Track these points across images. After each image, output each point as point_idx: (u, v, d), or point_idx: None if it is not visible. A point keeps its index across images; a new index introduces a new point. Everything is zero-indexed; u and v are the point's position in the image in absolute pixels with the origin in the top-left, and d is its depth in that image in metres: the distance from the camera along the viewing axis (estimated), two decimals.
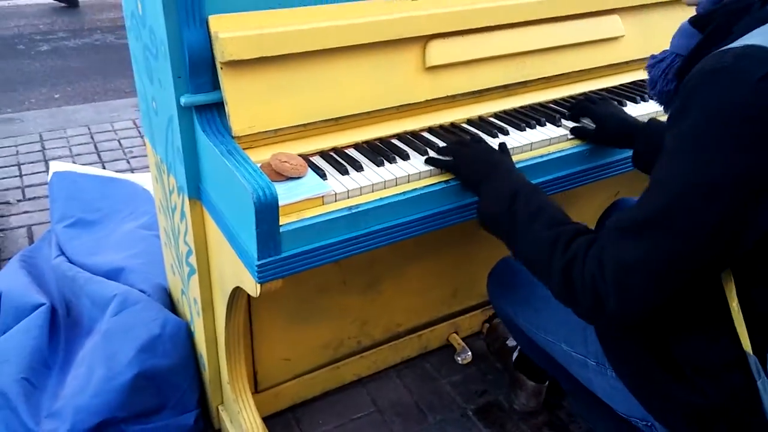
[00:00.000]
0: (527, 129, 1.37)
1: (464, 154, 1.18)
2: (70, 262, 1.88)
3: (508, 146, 1.25)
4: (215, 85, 1.16)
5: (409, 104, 1.33)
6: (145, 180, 2.37)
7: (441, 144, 1.27)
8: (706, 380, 0.95)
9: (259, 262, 1.04)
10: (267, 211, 1.01)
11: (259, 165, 1.09)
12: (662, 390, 1.00)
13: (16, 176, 2.79)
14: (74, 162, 2.78)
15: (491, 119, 1.41)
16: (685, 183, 0.81)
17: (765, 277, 0.87)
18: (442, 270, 1.75)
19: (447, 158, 1.20)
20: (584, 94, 1.53)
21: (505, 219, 1.05)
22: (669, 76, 0.98)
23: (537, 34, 1.46)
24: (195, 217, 1.30)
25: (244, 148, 1.14)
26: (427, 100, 1.35)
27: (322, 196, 1.11)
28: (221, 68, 1.12)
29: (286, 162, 1.13)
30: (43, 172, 2.81)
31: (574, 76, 1.55)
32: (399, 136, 1.31)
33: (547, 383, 1.70)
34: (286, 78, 1.18)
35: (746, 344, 0.90)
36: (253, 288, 1.10)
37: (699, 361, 0.95)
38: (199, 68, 1.13)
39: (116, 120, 3.36)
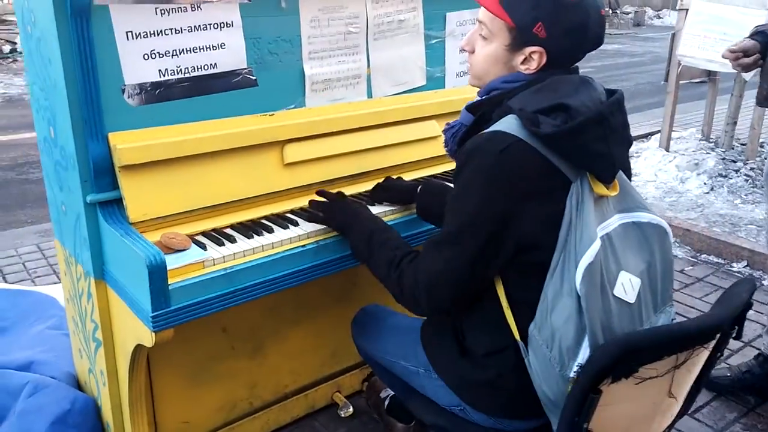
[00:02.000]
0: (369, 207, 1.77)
1: (333, 209, 1.58)
2: None
3: None
4: (114, 186, 1.49)
5: (274, 192, 1.71)
6: (49, 290, 2.59)
7: (301, 221, 1.65)
8: (494, 360, 1.31)
9: (153, 314, 1.34)
10: (157, 271, 1.32)
11: (152, 242, 1.41)
12: (467, 377, 1.36)
13: None
14: None
15: None
16: (462, 217, 1.23)
17: (519, 284, 1.27)
18: (320, 333, 2.07)
19: (321, 215, 1.59)
20: (414, 179, 1.97)
21: (365, 252, 1.45)
22: (455, 140, 1.42)
23: (372, 137, 1.90)
24: (100, 294, 1.58)
25: (140, 232, 1.46)
26: (287, 189, 1.73)
27: (203, 261, 1.44)
28: (119, 171, 1.46)
29: (173, 238, 1.46)
30: None
31: (406, 167, 1.98)
32: (266, 217, 1.67)
33: (413, 423, 2.00)
34: (172, 175, 1.54)
35: (515, 333, 1.28)
36: (149, 338, 1.39)
37: (487, 347, 1.32)
38: (102, 173, 1.47)
39: (19, 246, 3.53)
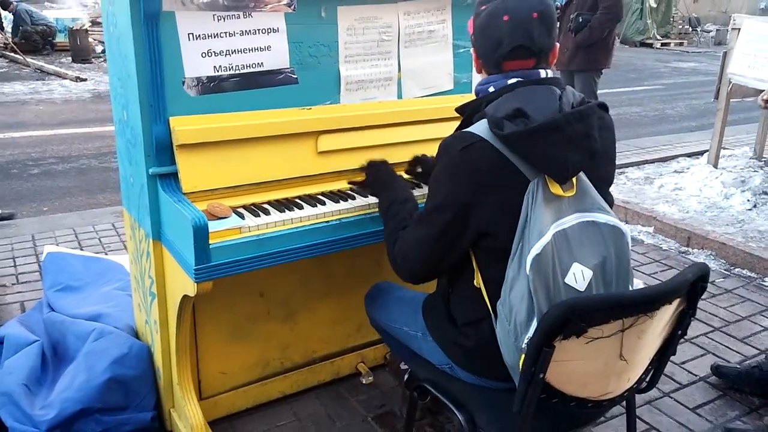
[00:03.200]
0: None
1: (374, 172, 1.87)
2: (61, 314, 2.40)
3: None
4: (172, 161, 1.78)
5: (307, 176, 1.97)
6: (118, 259, 2.95)
7: (327, 201, 1.90)
8: (473, 330, 1.52)
9: (196, 267, 1.61)
10: (201, 231, 1.60)
11: (199, 209, 1.69)
12: (453, 340, 1.57)
13: (11, 266, 3.34)
14: None
15: None
16: (431, 202, 1.48)
17: (489, 266, 1.47)
18: (347, 307, 2.31)
19: (366, 177, 1.89)
20: None
21: (385, 216, 1.72)
22: None
23: (399, 132, 2.13)
24: (156, 253, 1.88)
25: (191, 201, 1.75)
26: (320, 174, 1.99)
27: (239, 228, 1.70)
28: (176, 149, 1.75)
29: (217, 207, 1.74)
30: (34, 263, 3.36)
31: None
32: (299, 197, 1.93)
33: (428, 399, 2.20)
34: (220, 156, 1.82)
35: (489, 307, 1.49)
36: (192, 288, 1.66)
37: (467, 318, 1.53)
38: (162, 150, 1.77)
39: (97, 224, 3.95)
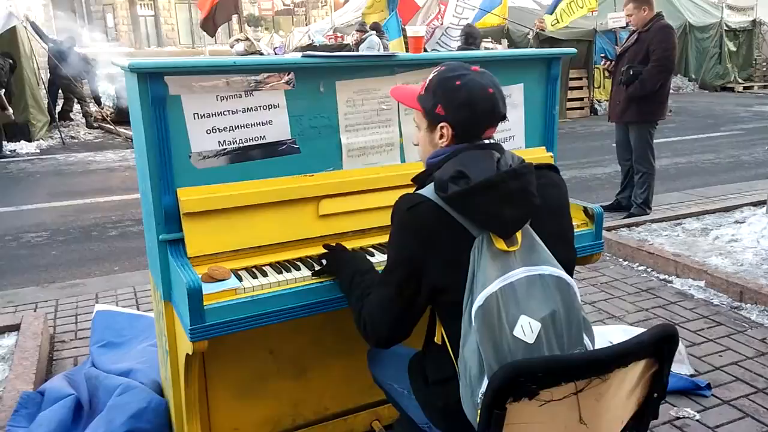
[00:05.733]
0: None
1: (330, 257, 1.92)
2: (99, 369, 2.59)
3: (375, 262, 1.96)
4: (180, 228, 1.93)
5: (309, 238, 2.07)
6: None
7: (325, 261, 1.99)
8: (442, 389, 1.56)
9: (191, 327, 1.74)
10: (195, 293, 1.73)
11: (200, 274, 1.83)
12: (428, 401, 1.60)
13: (72, 323, 3.61)
14: None
15: (369, 248, 2.13)
16: (388, 261, 1.56)
17: (450, 323, 1.50)
18: (361, 365, 2.34)
19: (323, 265, 1.93)
20: None
21: (347, 292, 1.79)
22: None
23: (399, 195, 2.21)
24: (168, 313, 2.02)
25: (194, 265, 1.89)
26: (321, 236, 2.09)
27: (235, 289, 1.82)
28: (183, 217, 1.91)
29: (216, 270, 1.87)
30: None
31: None
32: (300, 259, 2.03)
33: None
34: (224, 222, 1.96)
35: (455, 365, 1.51)
36: (190, 348, 1.78)
37: (436, 377, 1.57)
38: (171, 218, 1.93)
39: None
